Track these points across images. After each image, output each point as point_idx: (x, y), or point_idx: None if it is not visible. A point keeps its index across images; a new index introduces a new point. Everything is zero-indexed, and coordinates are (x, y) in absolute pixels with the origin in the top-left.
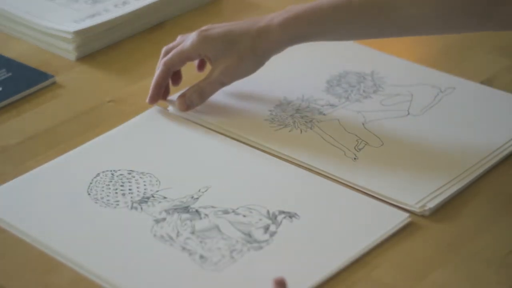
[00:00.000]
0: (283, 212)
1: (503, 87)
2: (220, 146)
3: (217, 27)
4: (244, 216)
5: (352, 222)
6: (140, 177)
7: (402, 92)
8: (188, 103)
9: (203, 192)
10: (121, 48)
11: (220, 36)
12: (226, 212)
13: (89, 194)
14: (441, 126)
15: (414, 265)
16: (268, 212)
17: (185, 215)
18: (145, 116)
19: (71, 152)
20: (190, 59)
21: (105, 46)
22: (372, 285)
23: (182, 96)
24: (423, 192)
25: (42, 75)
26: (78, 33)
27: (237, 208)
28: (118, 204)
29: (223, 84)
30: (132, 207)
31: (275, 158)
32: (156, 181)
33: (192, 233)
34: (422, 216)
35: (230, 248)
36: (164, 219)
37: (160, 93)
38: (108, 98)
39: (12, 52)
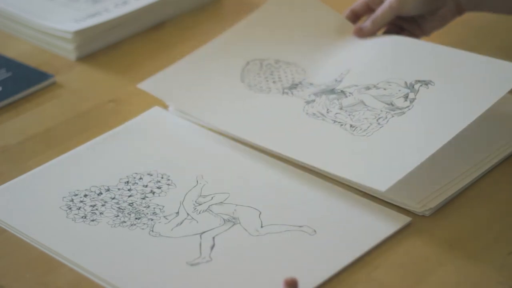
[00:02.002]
0: (419, 81)
1: None
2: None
3: None
4: (385, 89)
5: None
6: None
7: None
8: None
9: (345, 75)
10: (121, 48)
11: None
12: (368, 88)
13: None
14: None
15: (415, 265)
16: (405, 83)
17: (332, 96)
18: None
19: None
20: None
21: (105, 46)
22: (373, 285)
23: None
24: (424, 192)
25: (42, 75)
26: (78, 33)
27: (378, 83)
28: (270, 90)
29: None
30: (283, 93)
31: None
32: (302, 70)
33: (341, 108)
34: (423, 216)
35: (376, 116)
36: (313, 100)
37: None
38: (108, 98)
39: (12, 52)
